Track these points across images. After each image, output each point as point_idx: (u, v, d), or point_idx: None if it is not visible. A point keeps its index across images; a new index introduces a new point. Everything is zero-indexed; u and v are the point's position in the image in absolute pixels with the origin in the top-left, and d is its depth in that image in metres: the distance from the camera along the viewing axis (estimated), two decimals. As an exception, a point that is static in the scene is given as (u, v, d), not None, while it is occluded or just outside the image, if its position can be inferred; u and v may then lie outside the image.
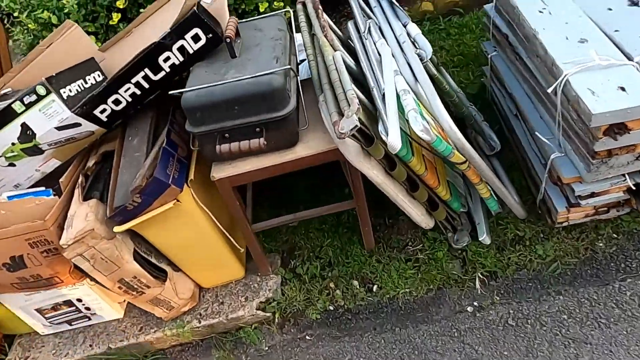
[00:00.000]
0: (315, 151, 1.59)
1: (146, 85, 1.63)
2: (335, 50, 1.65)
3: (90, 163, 1.83)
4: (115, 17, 2.44)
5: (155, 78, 1.62)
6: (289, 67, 1.47)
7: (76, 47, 1.91)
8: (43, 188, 1.85)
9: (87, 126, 1.71)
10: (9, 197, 1.81)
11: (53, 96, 1.61)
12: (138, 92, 1.65)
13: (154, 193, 1.57)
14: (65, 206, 1.73)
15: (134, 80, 1.62)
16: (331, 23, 1.82)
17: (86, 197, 1.72)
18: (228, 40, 1.53)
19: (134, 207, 1.58)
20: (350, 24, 1.90)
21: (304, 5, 1.91)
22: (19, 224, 1.70)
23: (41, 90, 1.61)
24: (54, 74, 1.62)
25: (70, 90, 1.67)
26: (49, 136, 1.71)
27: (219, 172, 1.62)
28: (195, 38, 1.55)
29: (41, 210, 1.72)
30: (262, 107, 1.47)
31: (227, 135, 1.51)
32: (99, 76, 1.84)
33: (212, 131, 1.51)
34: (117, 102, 1.66)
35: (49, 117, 1.66)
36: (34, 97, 1.62)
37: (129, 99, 1.66)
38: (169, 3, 1.88)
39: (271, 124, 1.50)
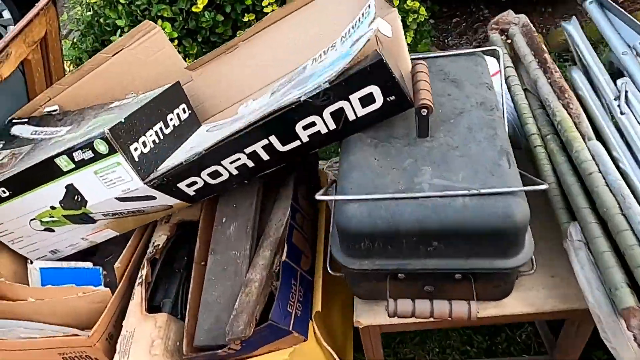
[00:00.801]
0: (538, 309, 0.95)
1: (265, 157, 1.00)
2: (588, 139, 0.97)
3: (159, 239, 1.23)
4: (201, 2, 1.80)
5: (282, 149, 0.98)
6: (544, 185, 0.80)
7: (154, 60, 1.29)
8: (90, 265, 1.27)
9: (165, 200, 1.11)
10: (43, 270, 1.25)
11: (119, 157, 1.01)
12: (251, 164, 1.02)
13: (264, 339, 0.97)
14: (120, 307, 1.15)
15: (248, 150, 0.99)
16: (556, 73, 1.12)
17: (151, 305, 1.13)
18: (425, 112, 0.87)
19: (228, 354, 0.98)
20: (576, 74, 1.20)
21: (506, 35, 1.22)
22: (53, 323, 1.14)
23: (101, 147, 1.00)
24: (122, 120, 1.01)
25: (145, 144, 1.06)
26: (105, 206, 1.12)
27: (368, 317, 0.99)
28: (367, 100, 0.90)
29: (85, 308, 1.15)
30: (481, 249, 0.83)
31: (401, 276, 0.88)
32: (184, 112, 1.22)
33: (382, 271, 0.87)
34: (215, 174, 1.04)
35: (108, 185, 1.06)
36: (89, 154, 1.02)
37: (234, 172, 1.04)
38: (304, 9, 1.22)
39: (487, 274, 0.86)
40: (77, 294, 1.12)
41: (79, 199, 1.10)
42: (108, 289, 1.13)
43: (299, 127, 0.93)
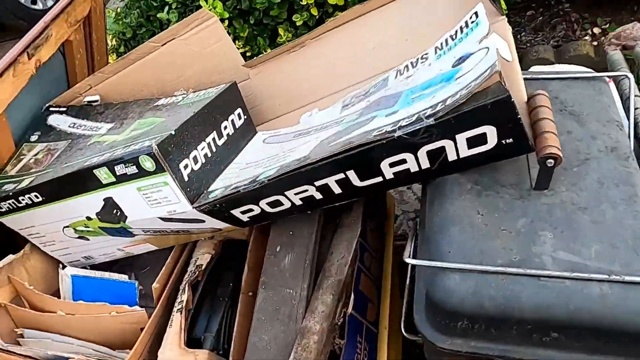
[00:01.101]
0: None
1: (337, 191, 0.84)
2: None
3: (202, 258, 1.09)
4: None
5: (359, 184, 0.81)
6: None
7: (209, 52, 1.13)
8: (125, 278, 1.15)
9: (214, 223, 0.96)
10: (75, 277, 1.14)
11: (166, 177, 0.86)
12: (318, 197, 0.86)
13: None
14: (156, 331, 1.03)
15: (319, 183, 0.82)
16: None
17: (190, 337, 1.00)
18: (551, 163, 0.69)
19: (276, 414, 0.85)
20: None
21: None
22: (83, 339, 1.04)
23: (147, 164, 0.85)
24: (172, 132, 0.86)
25: (196, 160, 0.91)
26: (146, 224, 0.99)
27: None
28: (477, 140, 0.71)
29: (118, 327, 1.04)
30: (616, 347, 0.65)
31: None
32: (239, 117, 1.06)
33: (478, 355, 0.71)
34: (275, 204, 0.89)
35: (152, 204, 0.92)
36: (132, 169, 0.87)
37: (298, 203, 0.88)
38: (386, 7, 1.03)
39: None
40: (110, 313, 1.00)
41: (118, 214, 0.97)
42: (144, 310, 1.01)
43: (384, 164, 0.77)
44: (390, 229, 1.18)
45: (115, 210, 0.97)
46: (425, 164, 0.76)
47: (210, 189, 0.92)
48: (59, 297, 1.07)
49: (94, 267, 1.19)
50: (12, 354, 0.92)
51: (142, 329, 1.00)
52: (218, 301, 1.05)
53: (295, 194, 0.85)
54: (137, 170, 0.87)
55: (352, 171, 0.79)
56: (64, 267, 1.14)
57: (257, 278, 1.01)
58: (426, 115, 0.69)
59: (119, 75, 1.18)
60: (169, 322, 1.01)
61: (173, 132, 0.86)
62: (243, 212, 0.91)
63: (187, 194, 0.88)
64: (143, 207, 0.93)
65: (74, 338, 1.02)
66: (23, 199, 0.98)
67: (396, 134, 0.70)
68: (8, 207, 1.00)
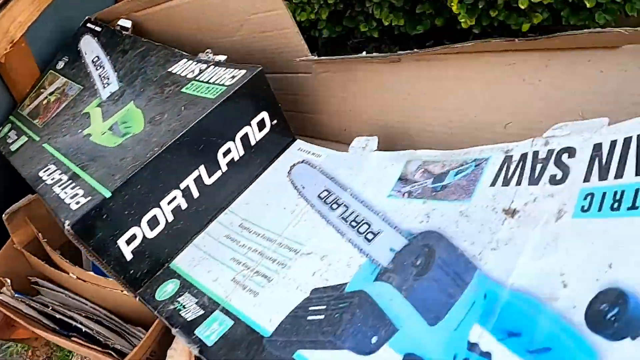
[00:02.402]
0: None
1: None
2: None
3: None
4: None
5: None
6: None
7: (263, 18, 0.75)
8: None
9: None
10: None
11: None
12: None
13: None
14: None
15: None
16: None
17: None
18: None
19: None
20: None
21: None
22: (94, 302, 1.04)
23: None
24: (105, 196, 0.62)
25: (153, 225, 0.67)
26: None
27: None
28: None
29: (128, 303, 0.98)
30: None
31: None
32: (261, 126, 0.74)
33: None
34: None
35: None
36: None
37: None
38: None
39: None
40: (121, 291, 0.95)
41: None
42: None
43: None
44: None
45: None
46: None
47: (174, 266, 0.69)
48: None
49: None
50: (17, 312, 0.95)
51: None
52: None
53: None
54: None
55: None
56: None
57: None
58: None
59: (162, 6, 0.88)
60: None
61: (108, 195, 0.61)
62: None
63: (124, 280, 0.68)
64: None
65: (88, 300, 1.01)
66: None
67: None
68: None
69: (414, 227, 0.55)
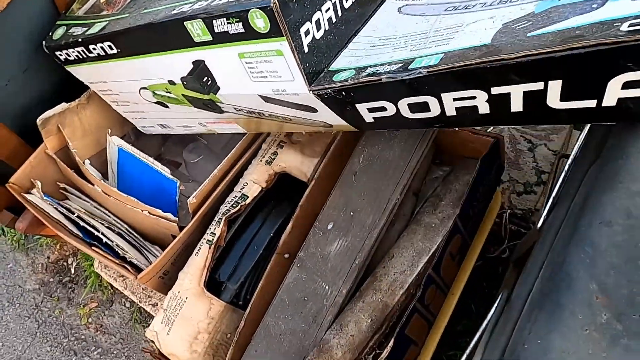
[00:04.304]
0: None
1: (516, 108, 0.53)
2: None
3: (250, 189, 0.86)
4: None
5: (555, 104, 0.51)
6: None
7: None
8: (168, 172, 0.97)
9: (327, 116, 0.71)
10: (120, 150, 0.99)
11: (282, 45, 0.60)
12: (484, 110, 0.56)
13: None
14: (188, 242, 0.90)
15: (497, 90, 0.53)
16: None
17: (213, 276, 0.85)
18: None
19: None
20: None
21: None
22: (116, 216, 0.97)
23: (259, 23, 0.60)
24: None
25: (318, 26, 0.63)
26: (241, 101, 0.77)
27: None
28: None
29: (147, 222, 0.93)
30: None
31: None
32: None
33: None
34: (418, 107, 0.60)
35: (256, 77, 0.68)
36: (237, 28, 0.62)
37: (450, 112, 0.58)
38: None
39: None
40: (142, 211, 0.89)
41: (209, 82, 0.75)
42: (177, 220, 0.87)
43: (616, 82, 0.46)
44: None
45: (205, 78, 0.74)
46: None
47: (332, 68, 0.66)
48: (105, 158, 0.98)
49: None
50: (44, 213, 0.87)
51: (173, 236, 0.88)
52: (252, 249, 0.86)
53: (455, 99, 0.57)
54: (243, 30, 0.62)
55: (557, 82, 0.49)
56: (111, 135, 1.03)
57: (299, 240, 0.78)
58: None
59: None
60: (196, 248, 0.86)
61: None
62: (371, 110, 0.65)
63: (305, 71, 0.62)
64: (242, 80, 0.70)
65: (110, 212, 0.95)
66: (94, 48, 0.83)
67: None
68: (77, 56, 0.86)
69: None
